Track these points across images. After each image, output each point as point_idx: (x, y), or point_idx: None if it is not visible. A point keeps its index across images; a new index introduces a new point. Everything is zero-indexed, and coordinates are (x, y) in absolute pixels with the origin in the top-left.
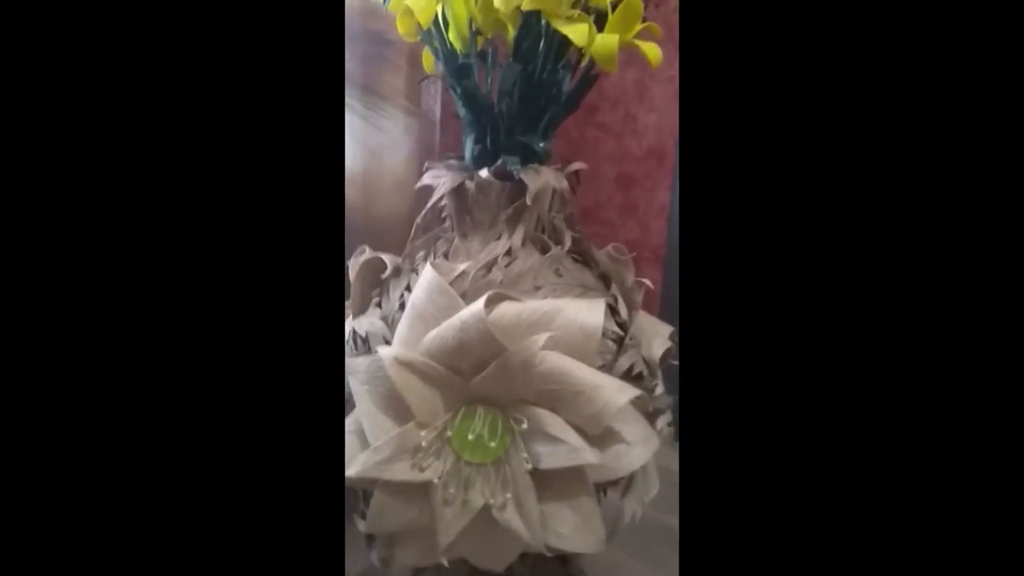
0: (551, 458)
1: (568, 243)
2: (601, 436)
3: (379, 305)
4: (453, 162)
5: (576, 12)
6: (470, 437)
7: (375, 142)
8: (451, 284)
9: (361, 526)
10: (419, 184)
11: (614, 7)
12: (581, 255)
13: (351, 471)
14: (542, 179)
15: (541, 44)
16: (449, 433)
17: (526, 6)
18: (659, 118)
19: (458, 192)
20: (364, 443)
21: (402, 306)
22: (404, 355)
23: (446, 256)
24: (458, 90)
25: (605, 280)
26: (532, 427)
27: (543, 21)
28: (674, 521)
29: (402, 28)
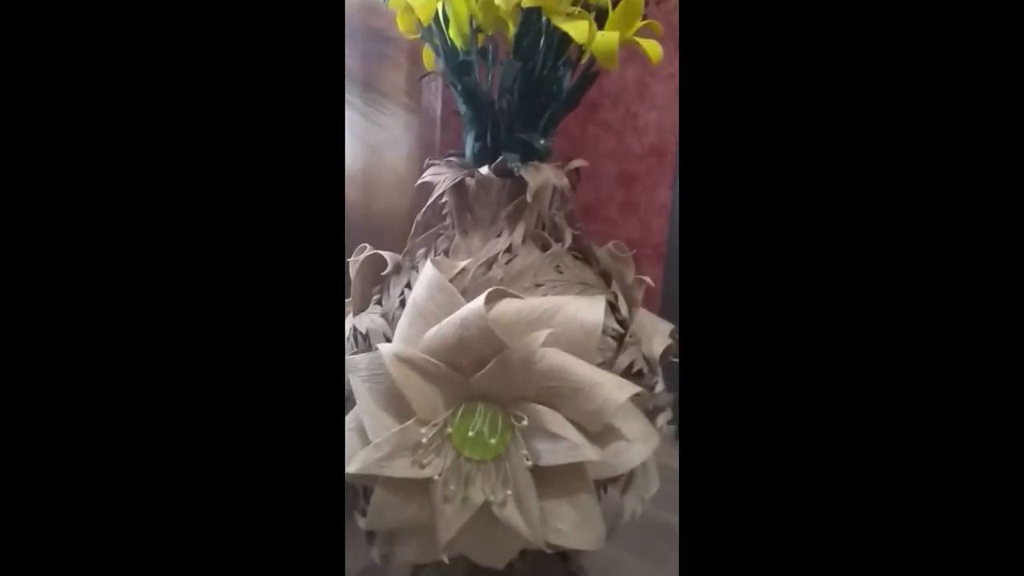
0: (551, 455)
1: (569, 240)
2: (601, 433)
3: (379, 302)
4: (453, 159)
5: (576, 9)
6: (470, 434)
7: (375, 139)
8: (451, 281)
9: (361, 523)
10: (419, 181)
11: (615, 4)
12: (581, 252)
13: (351, 468)
14: (542, 176)
15: (542, 41)
16: (449, 430)
17: (527, 3)
18: (660, 115)
19: (458, 189)
20: (364, 440)
21: (402, 303)
22: (404, 352)
23: (446, 253)
24: (458, 87)
25: (605, 277)
26: (532, 424)
27: (544, 18)
28: (674, 519)
29: (402, 25)
